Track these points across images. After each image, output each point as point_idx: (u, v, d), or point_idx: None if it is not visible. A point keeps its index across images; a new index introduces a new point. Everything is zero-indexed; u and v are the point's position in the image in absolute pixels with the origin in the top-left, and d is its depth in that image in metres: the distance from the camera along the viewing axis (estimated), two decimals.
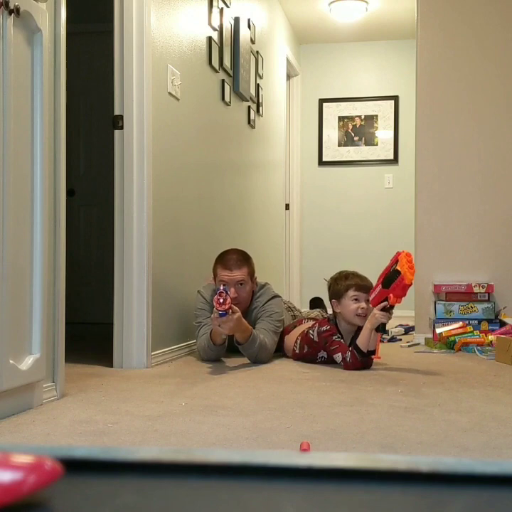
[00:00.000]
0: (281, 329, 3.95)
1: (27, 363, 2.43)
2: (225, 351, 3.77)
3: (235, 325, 3.44)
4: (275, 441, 2.08)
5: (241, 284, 3.82)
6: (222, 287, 3.40)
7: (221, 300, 3.33)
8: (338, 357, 3.57)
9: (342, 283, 3.67)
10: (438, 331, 4.48)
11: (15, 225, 2.36)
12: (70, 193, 5.64)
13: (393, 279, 3.38)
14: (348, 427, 2.26)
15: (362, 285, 3.64)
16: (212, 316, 3.48)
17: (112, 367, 3.55)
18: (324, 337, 3.64)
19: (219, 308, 3.34)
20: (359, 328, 3.58)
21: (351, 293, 3.62)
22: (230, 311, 3.37)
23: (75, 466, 0.51)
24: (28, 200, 2.46)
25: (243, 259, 3.90)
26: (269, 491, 0.48)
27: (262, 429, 2.21)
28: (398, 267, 3.37)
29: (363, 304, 3.58)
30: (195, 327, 3.84)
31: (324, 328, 3.67)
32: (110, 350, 3.60)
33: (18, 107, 2.40)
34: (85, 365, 3.58)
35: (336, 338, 3.63)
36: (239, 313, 3.44)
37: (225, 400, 2.70)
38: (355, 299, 3.61)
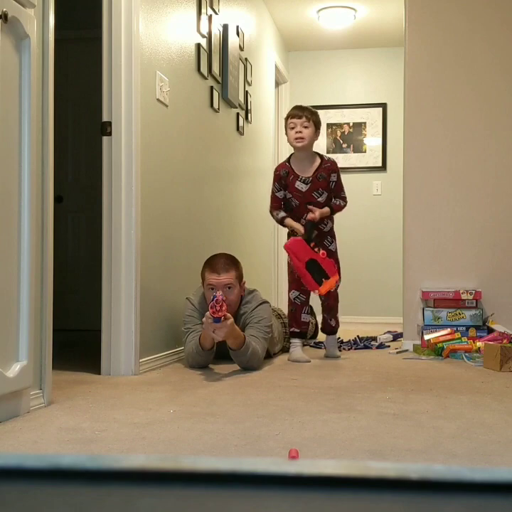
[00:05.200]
0: (270, 335, 3.95)
1: (14, 370, 2.41)
2: (213, 357, 3.76)
3: (229, 331, 3.44)
4: (264, 448, 2.07)
5: (229, 288, 3.82)
6: (218, 294, 3.40)
7: (217, 307, 3.33)
8: None
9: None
10: (426, 337, 4.49)
11: (1, 231, 2.35)
12: (57, 199, 5.64)
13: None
14: (337, 433, 2.26)
15: (295, 114, 4.13)
16: (203, 320, 3.48)
17: (99, 374, 3.54)
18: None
19: (215, 316, 3.34)
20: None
21: (289, 121, 4.15)
22: (224, 317, 3.37)
23: (62, 475, 0.51)
24: (15, 207, 2.45)
25: (231, 262, 3.90)
26: (257, 499, 0.48)
27: (251, 437, 2.21)
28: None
29: (298, 128, 4.09)
30: (184, 333, 3.84)
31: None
32: (98, 358, 3.59)
33: (6, 113, 2.39)
34: (73, 373, 3.56)
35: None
36: (232, 320, 3.44)
37: (213, 407, 2.69)
38: (291, 128, 4.13)
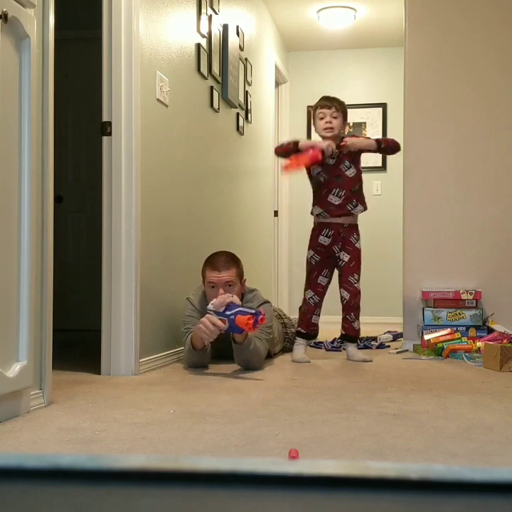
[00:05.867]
0: (271, 336, 3.95)
1: (14, 370, 2.41)
2: (209, 357, 3.76)
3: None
4: (264, 448, 2.07)
5: (229, 285, 3.82)
6: (263, 311, 3.53)
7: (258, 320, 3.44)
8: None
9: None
10: (426, 337, 4.49)
11: (1, 231, 2.35)
12: (57, 199, 5.64)
13: None
14: (337, 433, 2.26)
15: (324, 104, 4.20)
16: (203, 319, 3.52)
17: (99, 374, 3.54)
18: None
19: (249, 329, 3.47)
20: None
21: (318, 111, 4.20)
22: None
23: (62, 475, 0.51)
24: (15, 207, 2.45)
25: (231, 260, 3.90)
26: (257, 499, 0.48)
27: (251, 437, 2.21)
28: None
29: (328, 119, 4.15)
30: (184, 333, 3.84)
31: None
32: (98, 358, 3.59)
33: (6, 113, 2.39)
34: (73, 373, 3.56)
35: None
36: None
37: (213, 407, 2.69)
38: (321, 118, 4.19)
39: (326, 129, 4.15)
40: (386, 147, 4.21)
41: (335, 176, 4.13)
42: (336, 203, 4.12)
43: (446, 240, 4.86)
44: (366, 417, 2.51)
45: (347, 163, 4.14)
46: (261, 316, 3.41)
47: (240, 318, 3.43)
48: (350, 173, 4.14)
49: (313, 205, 4.25)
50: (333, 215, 4.14)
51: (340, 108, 4.19)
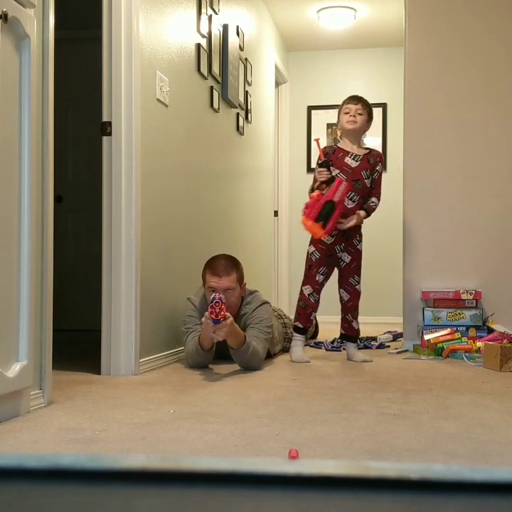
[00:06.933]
0: (271, 335, 3.95)
1: (14, 370, 2.41)
2: (212, 357, 3.76)
3: (229, 331, 3.44)
4: (264, 448, 2.07)
5: (230, 290, 3.81)
6: (217, 296, 3.39)
7: (217, 309, 3.33)
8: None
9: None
10: (426, 337, 4.49)
11: (1, 231, 2.35)
12: (57, 199, 5.64)
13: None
14: (337, 433, 2.26)
15: (351, 101, 4.25)
16: (203, 320, 3.48)
17: (99, 374, 3.54)
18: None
19: (215, 318, 3.34)
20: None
21: (344, 107, 4.25)
22: (223, 317, 3.36)
23: (62, 475, 0.51)
24: (15, 207, 2.45)
25: (232, 265, 3.89)
26: (257, 499, 0.48)
27: (251, 437, 2.21)
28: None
29: (353, 113, 4.18)
30: (184, 333, 3.84)
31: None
32: (98, 358, 3.59)
33: (6, 113, 2.39)
34: (73, 373, 3.56)
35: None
36: (231, 319, 3.44)
37: (213, 407, 2.69)
38: (346, 112, 4.23)
39: (349, 121, 4.17)
40: (371, 213, 4.21)
41: (354, 179, 4.11)
42: (349, 206, 4.11)
43: (446, 240, 4.86)
44: (366, 417, 2.51)
45: (368, 172, 4.16)
46: (215, 301, 3.37)
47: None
48: (368, 182, 4.15)
49: None
50: (342, 217, 4.14)
51: (367, 108, 4.23)
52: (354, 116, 4.17)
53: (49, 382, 2.75)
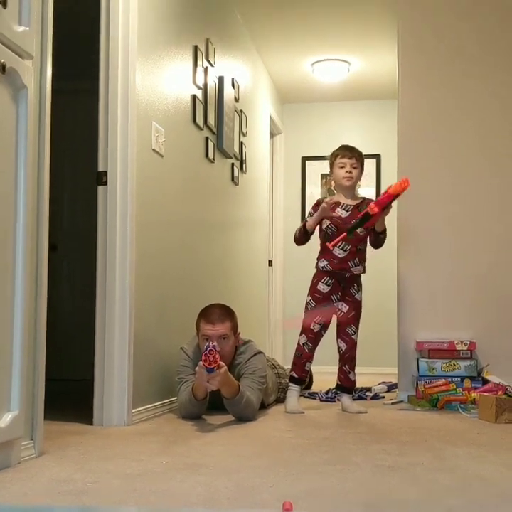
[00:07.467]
0: (265, 386, 3.93)
1: (5, 420, 2.39)
2: (206, 408, 3.73)
3: (223, 380, 3.42)
4: (258, 500, 2.04)
5: (224, 338, 3.80)
6: (211, 345, 3.37)
7: (211, 358, 3.32)
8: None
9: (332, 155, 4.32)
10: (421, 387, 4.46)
11: None
12: (52, 248, 5.63)
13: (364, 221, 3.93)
14: (332, 486, 2.23)
15: (345, 154, 4.23)
16: (196, 369, 3.46)
17: (91, 424, 3.50)
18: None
19: (208, 366, 3.32)
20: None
21: (338, 160, 4.24)
22: (217, 366, 3.35)
23: None
24: (9, 256, 2.45)
25: (226, 313, 3.89)
26: None
27: (245, 488, 2.18)
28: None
29: (348, 168, 4.19)
30: (177, 383, 3.81)
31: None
32: (90, 408, 3.55)
33: (2, 163, 2.40)
34: (65, 423, 3.52)
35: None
36: (225, 368, 3.42)
37: (206, 458, 2.66)
38: (341, 167, 4.22)
39: (345, 178, 4.19)
40: (383, 238, 4.19)
41: (346, 227, 4.07)
42: (340, 255, 4.13)
43: (441, 291, 4.86)
44: (361, 469, 2.49)
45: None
46: (209, 349, 3.35)
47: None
48: (361, 230, 4.10)
49: (319, 258, 4.26)
50: (334, 267, 4.15)
51: (360, 159, 4.26)
52: (350, 171, 4.19)
53: (40, 432, 2.72)
